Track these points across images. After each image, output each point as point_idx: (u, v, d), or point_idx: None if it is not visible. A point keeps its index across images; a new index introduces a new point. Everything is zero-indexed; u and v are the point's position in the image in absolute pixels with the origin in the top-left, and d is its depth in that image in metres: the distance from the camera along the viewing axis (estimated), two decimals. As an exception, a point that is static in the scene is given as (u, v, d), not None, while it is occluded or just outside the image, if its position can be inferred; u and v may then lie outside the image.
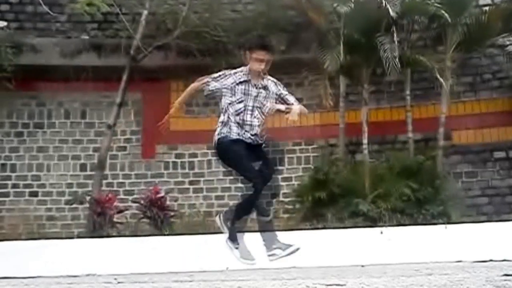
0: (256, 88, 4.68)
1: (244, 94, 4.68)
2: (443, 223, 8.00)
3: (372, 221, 8.72)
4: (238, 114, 4.66)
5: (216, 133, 4.66)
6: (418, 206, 9.09)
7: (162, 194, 9.38)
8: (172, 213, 9.45)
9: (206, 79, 4.83)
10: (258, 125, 4.69)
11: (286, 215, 10.08)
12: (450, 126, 10.14)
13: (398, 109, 10.56)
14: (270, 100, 4.70)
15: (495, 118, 10.35)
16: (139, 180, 10.68)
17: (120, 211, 9.33)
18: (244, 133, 4.63)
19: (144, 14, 10.01)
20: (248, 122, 4.65)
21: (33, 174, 10.62)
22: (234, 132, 4.61)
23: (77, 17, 10.71)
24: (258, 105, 4.69)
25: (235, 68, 4.91)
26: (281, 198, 10.49)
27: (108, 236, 8.46)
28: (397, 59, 9.12)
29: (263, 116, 4.73)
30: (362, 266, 4.21)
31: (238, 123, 4.64)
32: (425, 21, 10.22)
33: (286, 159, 10.76)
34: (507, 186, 10.14)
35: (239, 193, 11.24)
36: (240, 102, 4.67)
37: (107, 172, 10.29)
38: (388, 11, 9.04)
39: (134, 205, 9.68)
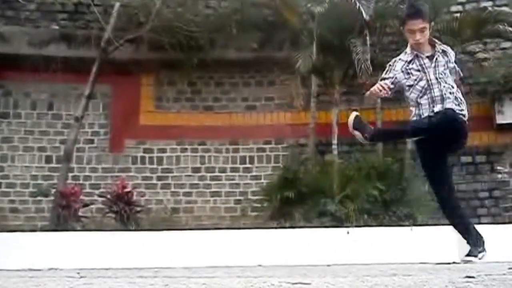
0: (430, 58, 4.15)
1: (420, 70, 4.14)
2: (409, 225, 8.10)
3: (339, 221, 8.77)
4: (424, 94, 4.13)
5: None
6: (385, 208, 9.19)
7: (129, 188, 9.28)
8: (138, 209, 9.36)
9: (380, 83, 4.24)
10: (455, 97, 4.11)
11: (254, 213, 10.09)
12: (419, 129, 10.25)
13: (369, 111, 10.63)
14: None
15: (463, 123, 10.49)
16: (106, 174, 10.54)
17: (85, 205, 9.21)
18: (439, 109, 4.04)
19: (116, 6, 9.89)
20: (438, 97, 4.07)
21: (-4, 165, 10.41)
22: (427, 110, 4.08)
23: (47, 6, 10.53)
24: (441, 76, 4.13)
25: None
26: (249, 196, 10.52)
27: (73, 230, 8.35)
28: (369, 62, 9.19)
29: (454, 86, 4.16)
30: (328, 265, 4.22)
31: (428, 103, 4.08)
32: (397, 24, 10.33)
33: (256, 157, 10.78)
34: (472, 191, 10.30)
35: (207, 190, 11.26)
36: (420, 80, 4.14)
37: (73, 165, 10.14)
38: (361, 14, 9.10)
39: (100, 199, 9.56)
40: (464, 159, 10.40)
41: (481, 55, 10.21)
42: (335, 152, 9.90)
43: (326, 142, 10.35)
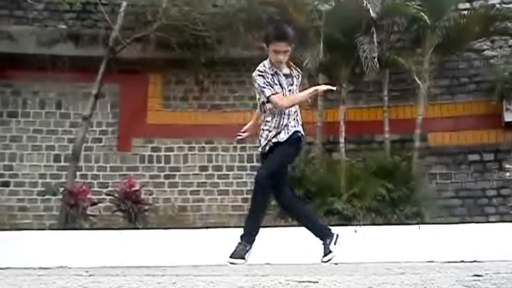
0: (287, 78, 4.65)
1: (279, 85, 4.62)
2: (417, 224, 8.07)
3: (346, 220, 8.77)
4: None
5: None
6: (393, 206, 9.18)
7: (136, 187, 9.32)
8: (146, 207, 9.39)
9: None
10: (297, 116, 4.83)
11: (261, 212, 10.07)
12: (426, 127, 10.24)
13: (376, 109, 10.63)
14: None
15: (471, 121, 10.48)
16: (114, 173, 10.58)
17: (93, 204, 9.24)
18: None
19: (123, 5, 9.92)
20: (293, 113, 4.80)
21: (5, 164, 10.45)
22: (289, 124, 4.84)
23: (55, 6, 10.57)
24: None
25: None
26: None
27: (81, 228, 8.38)
28: (376, 60, 9.18)
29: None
30: (335, 264, 4.22)
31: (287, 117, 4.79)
32: (404, 22, 10.30)
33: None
34: (480, 189, 10.28)
35: (215, 189, 11.25)
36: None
37: (81, 163, 10.18)
38: (369, 11, 9.09)
39: (108, 197, 9.60)
40: (472, 157, 10.37)
41: (489, 53, 10.17)
42: (343, 150, 9.89)
43: (334, 141, 10.35)
